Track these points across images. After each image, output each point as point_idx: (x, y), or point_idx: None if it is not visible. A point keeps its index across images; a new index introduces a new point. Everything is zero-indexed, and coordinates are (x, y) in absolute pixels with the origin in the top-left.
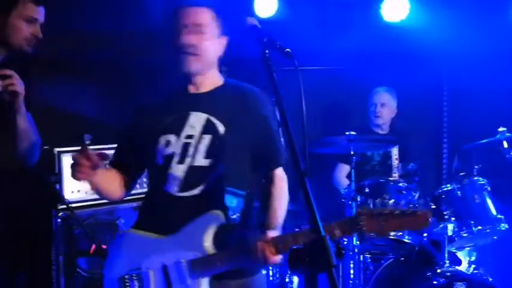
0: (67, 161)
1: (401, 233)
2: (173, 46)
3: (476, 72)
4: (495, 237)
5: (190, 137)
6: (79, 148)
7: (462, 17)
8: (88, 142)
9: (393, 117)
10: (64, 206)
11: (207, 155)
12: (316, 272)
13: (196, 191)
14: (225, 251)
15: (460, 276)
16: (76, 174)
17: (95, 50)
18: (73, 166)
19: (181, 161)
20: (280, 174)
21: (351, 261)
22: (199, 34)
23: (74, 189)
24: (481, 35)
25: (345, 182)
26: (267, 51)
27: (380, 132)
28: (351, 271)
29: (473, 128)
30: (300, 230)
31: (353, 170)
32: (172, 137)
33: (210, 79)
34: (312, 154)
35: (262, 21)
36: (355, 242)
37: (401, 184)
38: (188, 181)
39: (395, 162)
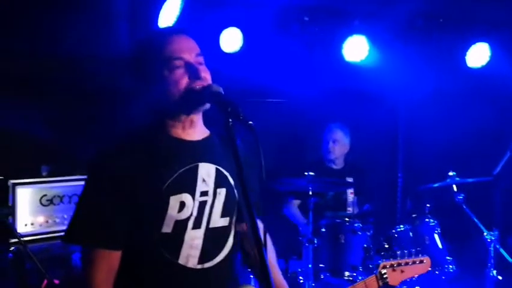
0: (21, 193)
1: (355, 274)
2: (173, 80)
3: (431, 114)
4: (443, 277)
5: (204, 193)
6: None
7: (419, 59)
8: (45, 174)
9: (347, 152)
10: (16, 240)
11: (224, 213)
12: None
13: (218, 259)
14: None
15: None
16: None
17: (54, 75)
18: None
19: (196, 225)
20: (260, 224)
21: None
22: (203, 65)
23: (28, 222)
24: (437, 77)
25: (297, 212)
26: (230, 120)
27: (334, 167)
28: None
29: (425, 170)
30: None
31: (311, 212)
32: (186, 197)
33: (201, 123)
34: (267, 188)
35: (227, 55)
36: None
37: (356, 224)
38: (209, 249)
39: (350, 196)
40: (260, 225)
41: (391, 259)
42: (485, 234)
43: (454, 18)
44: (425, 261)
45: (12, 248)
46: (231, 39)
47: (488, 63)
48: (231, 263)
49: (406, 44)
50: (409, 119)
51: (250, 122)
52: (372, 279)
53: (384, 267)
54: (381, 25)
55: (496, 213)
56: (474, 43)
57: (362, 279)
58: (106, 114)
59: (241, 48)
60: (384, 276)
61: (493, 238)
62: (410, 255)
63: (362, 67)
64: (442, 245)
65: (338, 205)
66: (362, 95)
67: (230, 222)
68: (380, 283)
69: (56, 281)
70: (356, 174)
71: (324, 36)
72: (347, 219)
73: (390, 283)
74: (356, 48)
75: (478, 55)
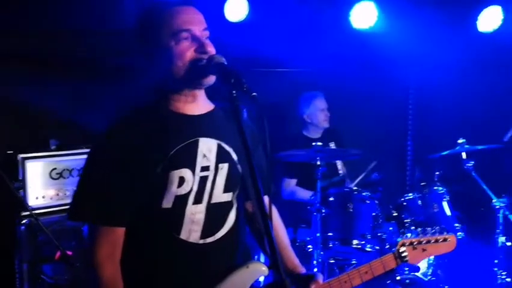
0: (31, 167)
1: (363, 242)
2: (179, 52)
3: (440, 81)
4: None
5: (205, 168)
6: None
7: (429, 26)
8: (53, 147)
9: None
10: (28, 213)
11: (226, 188)
12: None
13: (220, 234)
14: None
15: (417, 284)
16: None
17: (60, 49)
18: None
19: (197, 200)
20: (268, 201)
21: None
22: (208, 40)
23: (39, 195)
24: (448, 43)
25: (297, 189)
26: (234, 92)
27: (315, 136)
28: (315, 269)
29: (435, 138)
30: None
31: (318, 181)
32: (186, 172)
33: (204, 97)
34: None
35: (232, 24)
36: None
37: (364, 194)
38: (211, 223)
39: (339, 162)
40: (266, 201)
41: (411, 236)
42: (494, 201)
43: None
44: (449, 240)
45: (25, 220)
46: (236, 8)
47: (501, 27)
48: (235, 238)
49: (416, 9)
50: (419, 86)
51: (254, 94)
52: (389, 258)
53: (403, 245)
54: None
55: (505, 180)
56: (486, 6)
57: (372, 248)
58: (113, 87)
59: (247, 16)
60: (403, 254)
61: (502, 205)
62: (433, 233)
63: (371, 34)
64: (451, 212)
65: (331, 172)
66: (371, 63)
67: (233, 198)
68: (398, 261)
69: (70, 253)
70: (335, 138)
71: (330, 3)
72: (355, 188)
73: (410, 262)
74: (364, 15)
75: (490, 19)
